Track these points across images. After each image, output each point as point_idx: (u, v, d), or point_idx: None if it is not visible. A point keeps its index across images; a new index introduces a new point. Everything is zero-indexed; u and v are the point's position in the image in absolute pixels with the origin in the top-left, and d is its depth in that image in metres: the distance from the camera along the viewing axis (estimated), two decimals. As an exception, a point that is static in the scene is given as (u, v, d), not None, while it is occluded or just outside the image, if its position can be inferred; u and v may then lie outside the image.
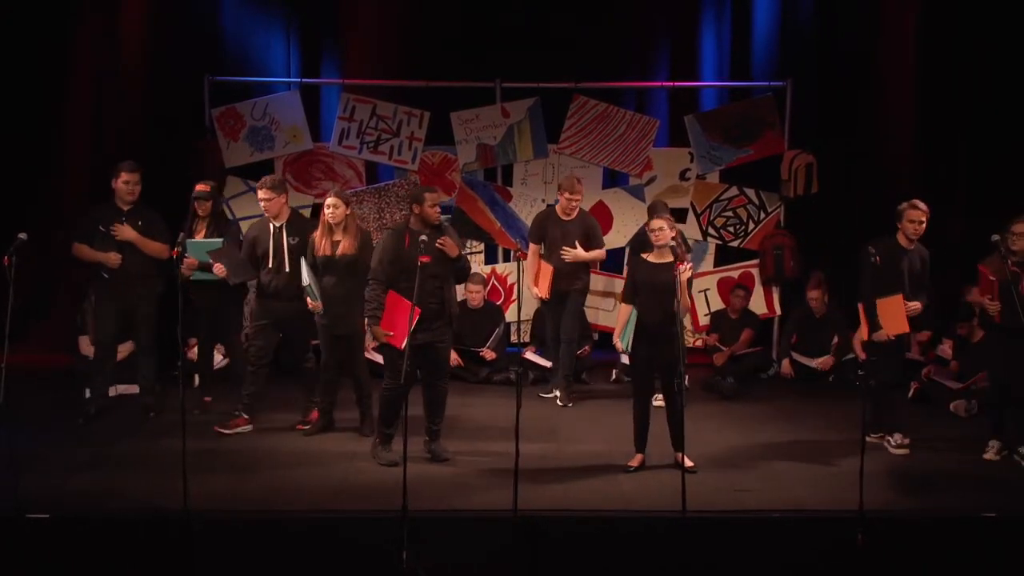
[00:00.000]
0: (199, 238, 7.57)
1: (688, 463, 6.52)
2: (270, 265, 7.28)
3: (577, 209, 8.42)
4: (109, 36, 9.80)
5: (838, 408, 8.20)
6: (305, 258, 7.11)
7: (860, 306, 7.12)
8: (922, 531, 5.99)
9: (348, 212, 7.18)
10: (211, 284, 7.52)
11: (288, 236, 7.28)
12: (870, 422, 7.07)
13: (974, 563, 5.85)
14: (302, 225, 7.44)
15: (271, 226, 7.32)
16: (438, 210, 6.84)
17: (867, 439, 6.97)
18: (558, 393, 8.42)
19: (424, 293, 6.39)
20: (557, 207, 8.52)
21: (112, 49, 9.80)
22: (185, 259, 7.17)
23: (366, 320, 6.82)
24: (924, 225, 7.01)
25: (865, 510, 5.78)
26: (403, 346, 6.42)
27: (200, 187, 7.79)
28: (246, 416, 7.47)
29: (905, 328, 6.98)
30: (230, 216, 9.20)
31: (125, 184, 7.56)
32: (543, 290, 8.38)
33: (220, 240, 7.51)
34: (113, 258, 7.47)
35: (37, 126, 9.77)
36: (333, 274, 7.15)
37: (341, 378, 7.49)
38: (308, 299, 7.12)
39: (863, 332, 7.18)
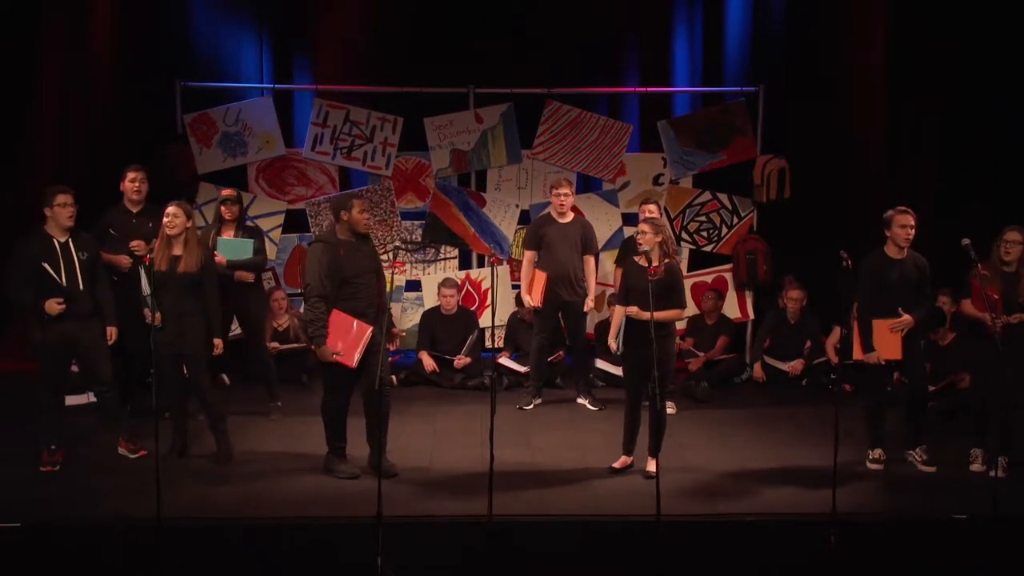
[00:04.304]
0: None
1: (650, 469, 6.56)
2: (64, 284, 6.65)
3: (569, 207, 8.45)
4: (77, 41, 9.73)
5: (810, 411, 8.25)
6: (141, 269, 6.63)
7: (855, 321, 7.08)
8: (893, 533, 6.05)
9: (189, 224, 6.79)
10: (235, 286, 7.81)
11: (77, 251, 6.73)
12: (908, 439, 7.13)
13: (945, 564, 5.92)
14: (87, 239, 6.89)
15: (55, 242, 6.68)
16: (366, 217, 6.66)
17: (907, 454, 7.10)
18: (586, 402, 8.50)
19: (366, 303, 6.26)
20: (551, 210, 8.55)
21: (80, 54, 9.74)
22: (215, 256, 7.51)
23: (311, 341, 6.55)
24: (915, 230, 6.87)
25: (837, 513, 5.82)
26: (355, 364, 6.38)
27: (227, 191, 8.15)
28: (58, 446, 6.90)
29: (897, 355, 6.87)
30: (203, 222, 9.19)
31: (132, 183, 7.63)
32: (536, 298, 8.37)
33: (251, 240, 7.85)
34: (124, 261, 7.43)
35: (3, 131, 9.65)
36: (172, 291, 6.73)
37: (188, 400, 7.12)
38: (147, 310, 6.65)
39: (856, 350, 7.05)
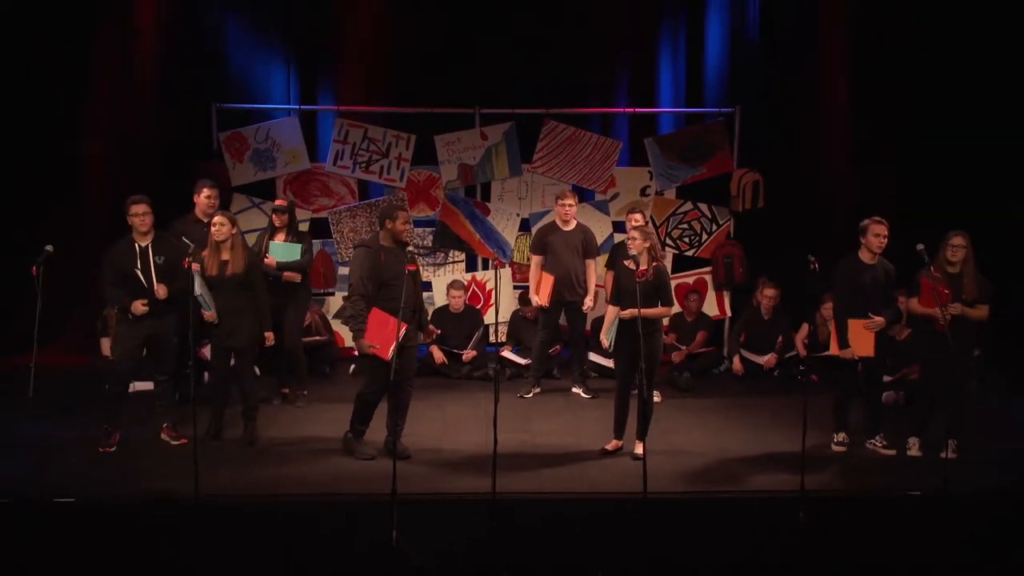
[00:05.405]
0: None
1: (638, 451, 6.57)
2: (144, 285, 6.79)
3: (574, 215, 8.49)
4: (123, 68, 9.80)
5: (782, 400, 8.28)
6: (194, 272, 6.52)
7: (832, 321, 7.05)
8: (856, 509, 6.09)
9: (234, 231, 6.88)
10: (282, 285, 7.84)
11: (155, 255, 6.84)
12: (869, 428, 7.14)
13: (901, 535, 5.96)
14: (166, 244, 6.99)
15: (136, 247, 6.82)
16: (408, 228, 6.69)
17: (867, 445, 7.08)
18: (580, 391, 8.54)
19: (402, 303, 6.30)
20: (555, 218, 8.59)
21: (126, 79, 9.80)
22: (265, 258, 7.74)
23: (352, 335, 6.60)
24: (887, 239, 6.87)
25: (806, 490, 5.87)
26: (390, 357, 6.38)
27: (279, 201, 8.30)
28: (114, 429, 6.93)
29: (870, 352, 6.86)
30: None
31: (207, 199, 7.74)
32: (543, 298, 8.40)
33: (299, 245, 7.87)
34: (194, 267, 7.46)
35: (56, 149, 9.68)
36: (223, 292, 6.83)
37: (230, 389, 7.15)
38: (202, 310, 6.73)
39: (832, 346, 7.03)
